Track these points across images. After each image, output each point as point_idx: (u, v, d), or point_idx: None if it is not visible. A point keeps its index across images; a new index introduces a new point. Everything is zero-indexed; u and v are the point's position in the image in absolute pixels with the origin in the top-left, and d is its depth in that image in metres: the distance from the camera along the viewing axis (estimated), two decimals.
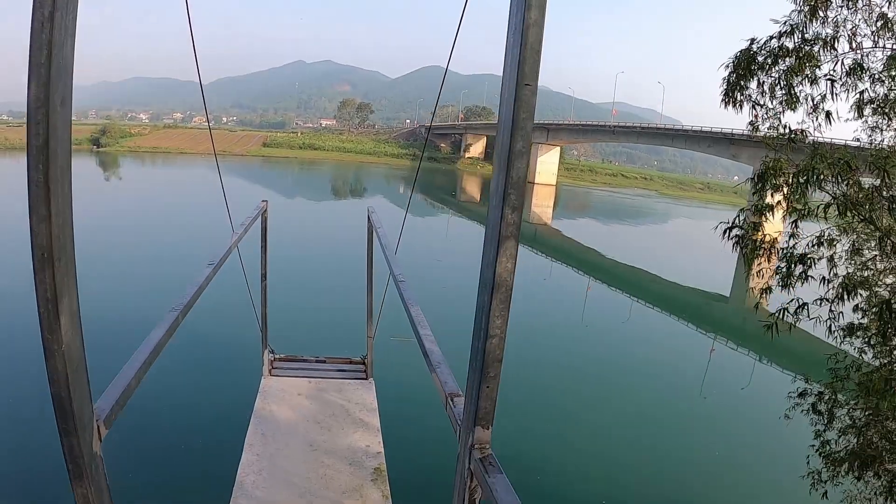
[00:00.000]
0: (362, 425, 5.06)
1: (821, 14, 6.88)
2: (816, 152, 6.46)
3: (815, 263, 7.06)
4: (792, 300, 7.06)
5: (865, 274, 7.48)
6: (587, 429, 13.70)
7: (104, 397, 1.69)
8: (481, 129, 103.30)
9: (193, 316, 2.66)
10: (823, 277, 7.19)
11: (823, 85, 6.97)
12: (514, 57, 1.34)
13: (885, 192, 6.41)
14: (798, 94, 7.08)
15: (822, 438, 7.91)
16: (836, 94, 6.88)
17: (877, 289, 7.43)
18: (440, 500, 3.10)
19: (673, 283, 32.49)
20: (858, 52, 6.83)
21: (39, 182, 1.22)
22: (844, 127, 7.33)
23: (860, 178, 6.72)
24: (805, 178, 6.47)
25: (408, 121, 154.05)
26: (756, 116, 7.45)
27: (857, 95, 6.87)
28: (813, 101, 7.05)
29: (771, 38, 7.14)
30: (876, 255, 7.48)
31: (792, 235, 7.16)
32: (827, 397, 7.81)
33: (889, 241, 6.73)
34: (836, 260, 7.27)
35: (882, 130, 7.24)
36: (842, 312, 7.20)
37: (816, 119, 7.05)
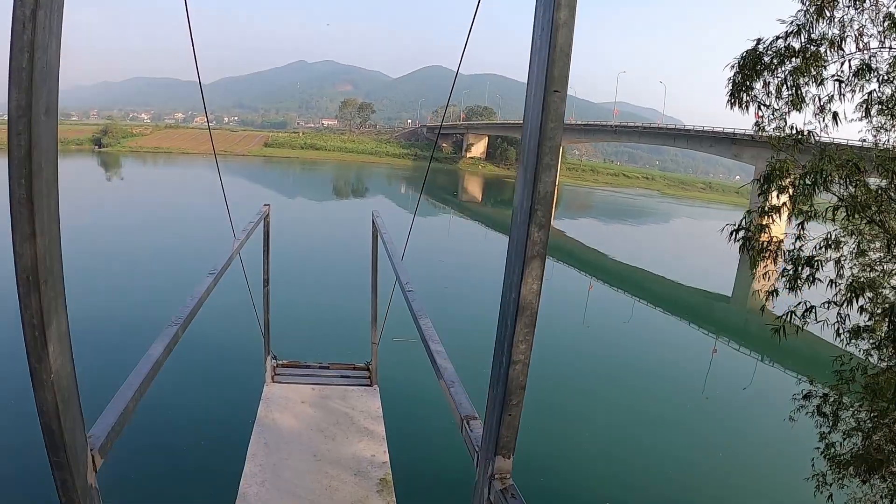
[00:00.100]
0: (367, 434, 4.98)
1: (827, 14, 6.82)
2: (824, 154, 6.40)
3: (822, 266, 7.00)
4: (799, 303, 7.00)
5: (871, 275, 7.42)
6: (587, 428, 13.65)
7: (99, 424, 1.59)
8: (483, 129, 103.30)
9: (194, 321, 2.60)
10: (831, 280, 7.13)
11: (830, 86, 6.91)
12: (541, 61, 1.25)
13: (893, 194, 6.35)
14: (804, 94, 7.02)
15: (826, 440, 7.86)
16: (844, 96, 6.83)
17: (883, 290, 7.37)
18: None
19: (675, 283, 32.45)
20: (865, 52, 6.77)
21: (22, 198, 1.11)
22: (848, 127, 7.29)
23: (866, 179, 6.67)
24: (813, 179, 6.41)
25: (409, 120, 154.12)
26: (762, 117, 7.39)
27: (866, 96, 6.81)
28: (820, 101, 6.99)
29: (777, 38, 7.08)
30: (881, 256, 7.42)
31: (798, 237, 7.10)
32: (832, 399, 7.76)
33: None
34: (843, 262, 7.21)
35: (887, 131, 7.19)
36: (848, 315, 7.14)
37: (823, 120, 6.99)
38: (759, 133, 7.52)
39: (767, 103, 7.32)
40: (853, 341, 7.46)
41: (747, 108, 7.49)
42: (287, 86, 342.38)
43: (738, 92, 7.46)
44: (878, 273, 7.45)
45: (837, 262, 7.19)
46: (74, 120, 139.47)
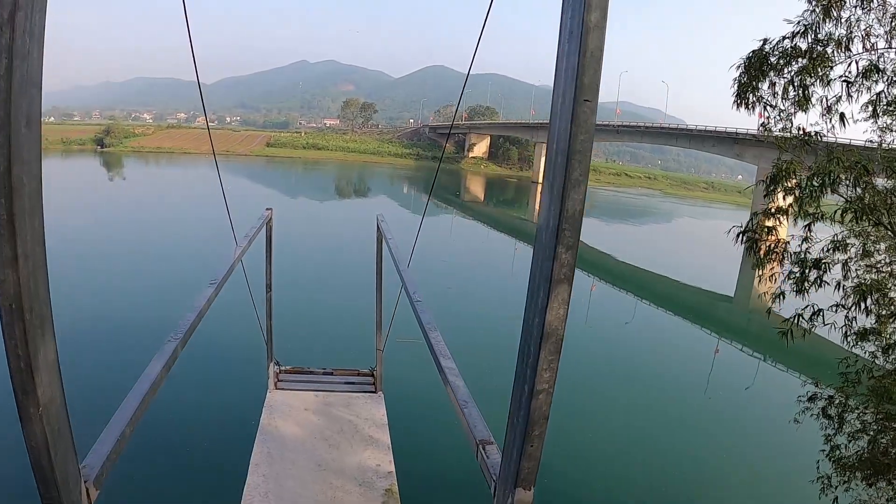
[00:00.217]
0: (372, 442, 4.88)
1: (834, 14, 6.76)
2: (832, 155, 6.34)
3: (829, 268, 6.95)
4: (807, 306, 6.94)
5: (877, 277, 7.36)
6: (587, 427, 13.59)
7: (93, 454, 1.47)
8: (485, 128, 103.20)
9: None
10: (837, 282, 7.07)
11: (837, 86, 6.85)
12: (569, 67, 1.12)
13: None
14: (811, 95, 6.96)
15: (832, 443, 7.81)
16: (851, 96, 6.76)
17: (890, 292, 7.31)
18: None
19: (677, 283, 32.37)
20: (873, 52, 6.71)
21: (2, 220, 0.99)
22: (853, 127, 7.22)
23: (873, 181, 6.61)
24: (820, 181, 6.34)
25: (411, 120, 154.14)
26: (768, 118, 7.33)
27: (874, 97, 6.75)
28: (827, 102, 6.93)
29: (783, 38, 7.02)
30: (886, 258, 7.37)
31: (805, 239, 7.04)
32: (837, 402, 7.71)
33: None
34: (850, 264, 7.15)
35: (893, 131, 7.13)
36: (855, 318, 7.08)
37: (830, 121, 6.93)
38: (766, 134, 7.45)
39: (773, 104, 7.26)
40: (859, 343, 7.40)
41: (753, 109, 7.42)
42: (289, 86, 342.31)
43: (745, 92, 7.40)
44: (885, 275, 7.39)
45: (845, 264, 7.13)
46: (77, 120, 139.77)
